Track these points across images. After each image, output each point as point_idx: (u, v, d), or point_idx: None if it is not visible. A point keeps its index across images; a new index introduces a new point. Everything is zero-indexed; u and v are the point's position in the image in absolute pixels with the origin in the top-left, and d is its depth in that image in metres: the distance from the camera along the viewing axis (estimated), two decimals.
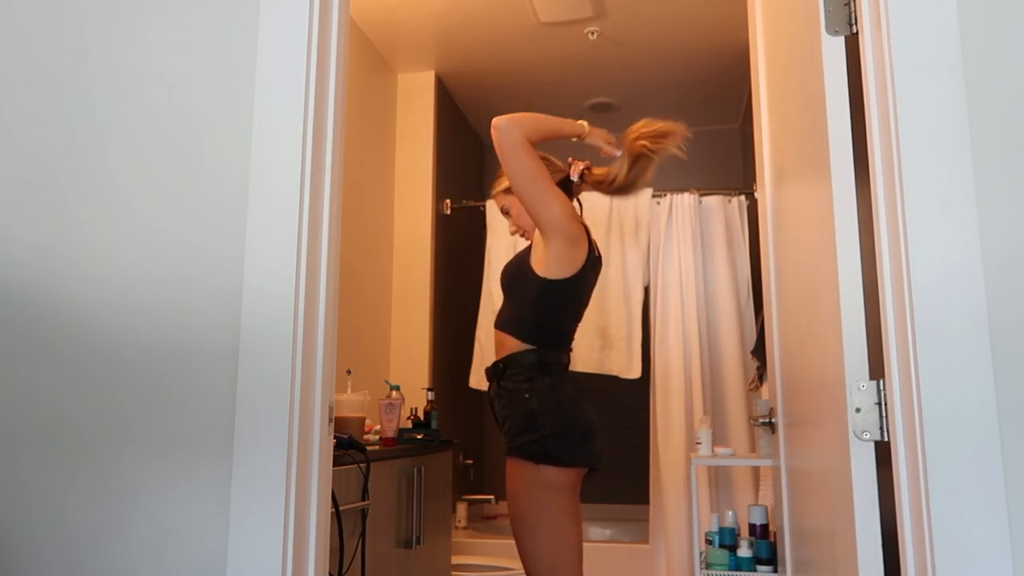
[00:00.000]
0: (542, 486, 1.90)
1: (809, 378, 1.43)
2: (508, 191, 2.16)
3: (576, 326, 2.07)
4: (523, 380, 1.97)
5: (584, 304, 2.07)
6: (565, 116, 4.40)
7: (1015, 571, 0.98)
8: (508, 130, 1.89)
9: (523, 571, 3.03)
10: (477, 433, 4.53)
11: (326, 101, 1.41)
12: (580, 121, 2.09)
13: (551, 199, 1.93)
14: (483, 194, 4.73)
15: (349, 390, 2.46)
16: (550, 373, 1.98)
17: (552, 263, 1.97)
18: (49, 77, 1.44)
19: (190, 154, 1.37)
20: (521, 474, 1.92)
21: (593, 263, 2.06)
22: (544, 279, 1.98)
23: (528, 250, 2.09)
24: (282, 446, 1.24)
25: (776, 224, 1.74)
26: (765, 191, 1.84)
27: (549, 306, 2.00)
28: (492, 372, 2.06)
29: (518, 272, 2.05)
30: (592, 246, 2.06)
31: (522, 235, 2.19)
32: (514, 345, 2.01)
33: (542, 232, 1.98)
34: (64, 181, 1.40)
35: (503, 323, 2.05)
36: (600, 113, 4.43)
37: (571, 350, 2.09)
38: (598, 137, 2.09)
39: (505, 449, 1.96)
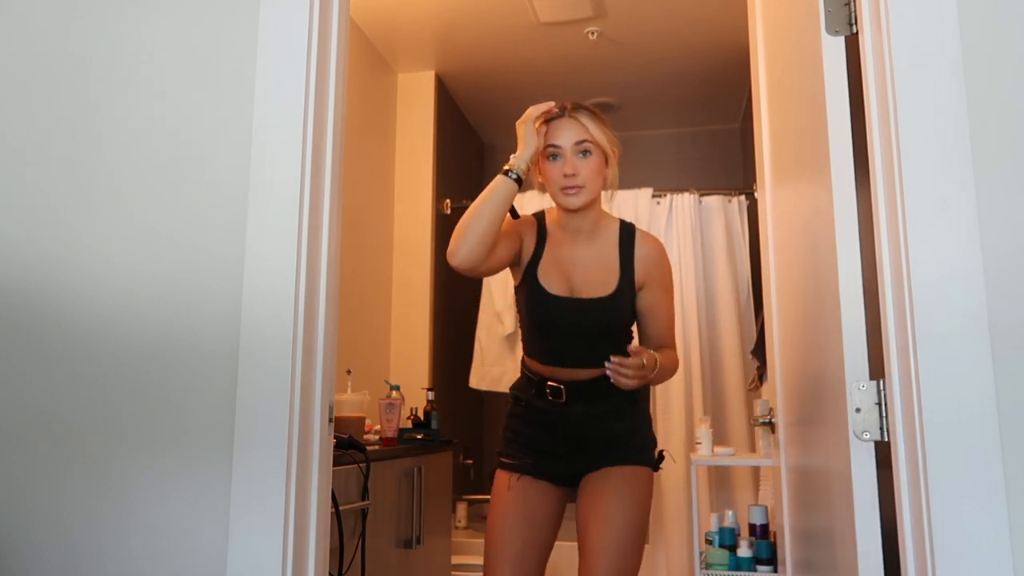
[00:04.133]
0: (652, 492, 1.86)
1: (809, 378, 1.43)
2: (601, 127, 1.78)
3: None
4: (638, 393, 1.87)
5: None
6: None
7: (1015, 571, 0.98)
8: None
9: None
10: (477, 433, 4.53)
11: (326, 101, 1.41)
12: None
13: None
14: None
15: (349, 390, 2.46)
16: None
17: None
18: (48, 78, 1.44)
19: (190, 154, 1.37)
20: (649, 483, 1.82)
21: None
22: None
23: (626, 285, 1.83)
24: (282, 446, 1.24)
25: (776, 224, 1.74)
26: (765, 191, 1.84)
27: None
28: (603, 387, 1.75)
29: (627, 304, 1.85)
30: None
31: (570, 194, 1.77)
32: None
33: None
34: (63, 181, 1.40)
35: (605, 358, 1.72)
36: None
37: None
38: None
39: (630, 459, 1.81)
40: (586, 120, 1.77)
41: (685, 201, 3.74)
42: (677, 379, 3.52)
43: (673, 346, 1.89)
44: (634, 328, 1.94)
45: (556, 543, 3.43)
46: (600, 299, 1.81)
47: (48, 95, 1.43)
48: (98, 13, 1.44)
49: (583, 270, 1.85)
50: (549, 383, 1.85)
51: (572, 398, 1.84)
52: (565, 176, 1.76)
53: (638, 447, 1.84)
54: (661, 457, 1.89)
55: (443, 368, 3.93)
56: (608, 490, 1.78)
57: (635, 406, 1.88)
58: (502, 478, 1.87)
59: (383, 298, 3.70)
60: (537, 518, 1.83)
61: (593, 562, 1.71)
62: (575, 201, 1.78)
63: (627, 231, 1.87)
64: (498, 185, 1.73)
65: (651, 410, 3.61)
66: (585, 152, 1.77)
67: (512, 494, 1.83)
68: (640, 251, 1.85)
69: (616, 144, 1.82)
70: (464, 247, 1.68)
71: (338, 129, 1.44)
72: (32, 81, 1.44)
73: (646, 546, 3.50)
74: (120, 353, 1.33)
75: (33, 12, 1.46)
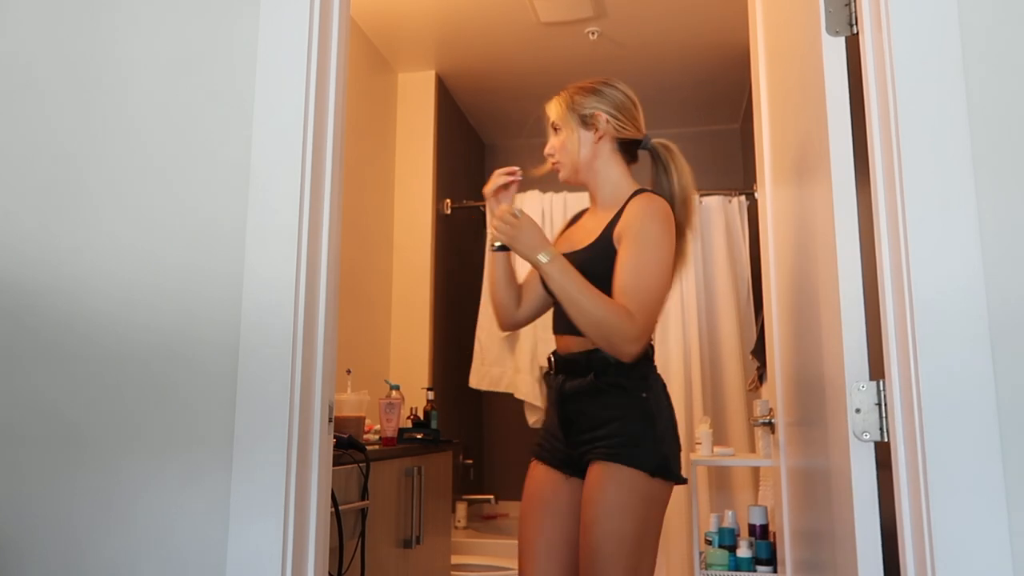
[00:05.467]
0: (650, 502, 1.61)
1: (809, 378, 1.43)
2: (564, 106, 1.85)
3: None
4: (639, 377, 1.67)
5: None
6: None
7: (1015, 571, 0.98)
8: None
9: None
10: (477, 433, 4.53)
11: (326, 102, 1.41)
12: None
13: (663, 254, 1.65)
14: (483, 194, 4.72)
15: (349, 390, 2.46)
16: (655, 369, 1.72)
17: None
18: (45, 77, 1.44)
19: (190, 155, 1.37)
20: (632, 487, 1.61)
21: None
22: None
23: (610, 235, 1.72)
24: (282, 446, 1.24)
25: (776, 224, 1.74)
26: (765, 191, 1.84)
27: (662, 298, 1.67)
28: (583, 365, 1.70)
29: (603, 261, 1.71)
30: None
31: (557, 170, 1.85)
32: None
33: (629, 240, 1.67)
34: (67, 182, 1.40)
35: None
36: None
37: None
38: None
39: (600, 454, 1.66)
40: (552, 102, 1.89)
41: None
42: (677, 379, 3.52)
43: (630, 309, 1.60)
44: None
45: None
46: (576, 251, 1.76)
47: (47, 94, 1.43)
48: (96, 12, 1.44)
49: (581, 231, 1.85)
50: (551, 354, 1.83)
51: (559, 370, 1.78)
52: (547, 155, 1.89)
53: (627, 442, 1.64)
54: (663, 467, 1.64)
55: (443, 368, 3.93)
56: (593, 492, 1.64)
57: (622, 392, 1.68)
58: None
59: (383, 298, 3.70)
60: (559, 508, 1.73)
61: (582, 568, 1.63)
62: (561, 175, 1.86)
63: (635, 194, 1.77)
64: (487, 261, 1.95)
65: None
66: (555, 129, 1.87)
67: (532, 483, 1.78)
68: (630, 206, 1.73)
69: (598, 108, 1.81)
70: (498, 324, 1.96)
71: (338, 129, 1.44)
72: (28, 80, 1.44)
73: None
74: (119, 353, 1.33)
75: (27, 11, 1.46)
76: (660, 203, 1.71)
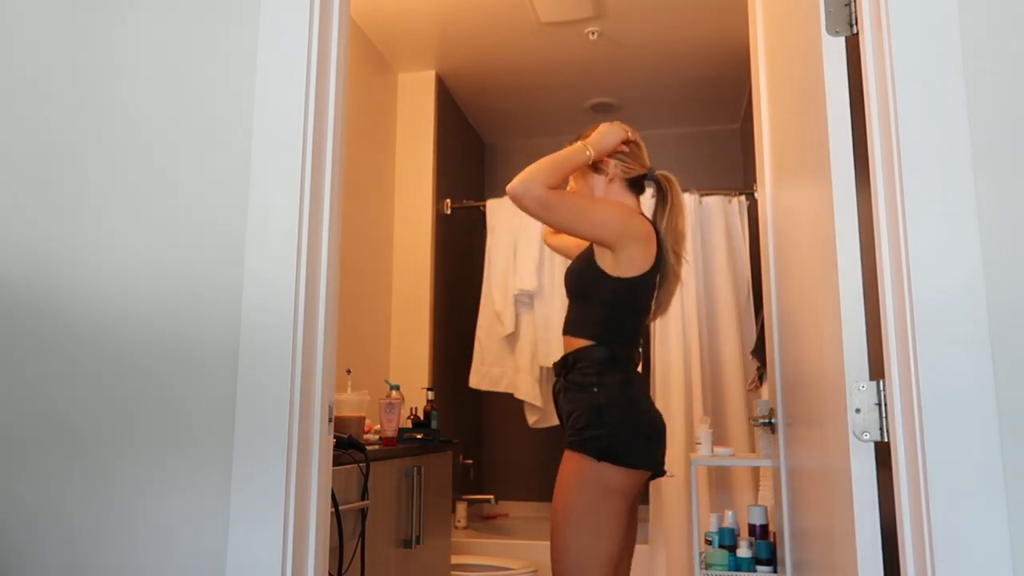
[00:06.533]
0: (599, 485, 1.82)
1: (809, 378, 1.43)
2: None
3: (645, 321, 2.01)
4: (593, 374, 1.90)
5: (653, 298, 2.02)
6: (565, 116, 4.43)
7: (1015, 571, 0.98)
8: (524, 192, 1.83)
9: (523, 571, 3.03)
10: (477, 433, 4.53)
11: (326, 103, 1.41)
12: (576, 145, 1.98)
13: (602, 218, 1.89)
14: (483, 194, 4.73)
15: (349, 390, 2.46)
16: (621, 369, 1.91)
17: (624, 263, 1.92)
18: (57, 75, 1.44)
19: (191, 156, 1.37)
20: (580, 469, 1.84)
21: (664, 256, 2.02)
22: (617, 278, 1.92)
23: (591, 250, 1.99)
24: (282, 446, 1.24)
25: (776, 224, 1.74)
26: (765, 191, 1.84)
27: (623, 305, 1.94)
28: (560, 366, 2.00)
29: (586, 275, 1.98)
30: (660, 238, 1.99)
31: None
32: (584, 343, 1.95)
33: (611, 247, 1.91)
34: (67, 183, 1.40)
35: (574, 328, 1.98)
36: (600, 113, 4.43)
37: (640, 346, 2.01)
38: (607, 144, 1.99)
39: (566, 442, 1.90)
40: None
41: (685, 201, 3.74)
42: (677, 379, 3.52)
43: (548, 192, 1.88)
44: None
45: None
46: (574, 260, 2.07)
47: (49, 97, 1.43)
48: (97, 16, 1.44)
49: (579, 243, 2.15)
50: None
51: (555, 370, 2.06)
52: None
53: (578, 431, 1.86)
54: (608, 452, 1.83)
55: (443, 368, 3.93)
56: (559, 473, 1.91)
57: (579, 388, 1.91)
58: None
59: (383, 298, 3.70)
60: None
61: None
62: None
63: None
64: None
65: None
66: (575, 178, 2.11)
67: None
68: None
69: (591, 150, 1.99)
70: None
71: (338, 129, 1.44)
72: (29, 83, 1.44)
73: (645, 546, 3.51)
74: (119, 354, 1.33)
75: (28, 15, 1.46)
76: (629, 208, 1.97)
